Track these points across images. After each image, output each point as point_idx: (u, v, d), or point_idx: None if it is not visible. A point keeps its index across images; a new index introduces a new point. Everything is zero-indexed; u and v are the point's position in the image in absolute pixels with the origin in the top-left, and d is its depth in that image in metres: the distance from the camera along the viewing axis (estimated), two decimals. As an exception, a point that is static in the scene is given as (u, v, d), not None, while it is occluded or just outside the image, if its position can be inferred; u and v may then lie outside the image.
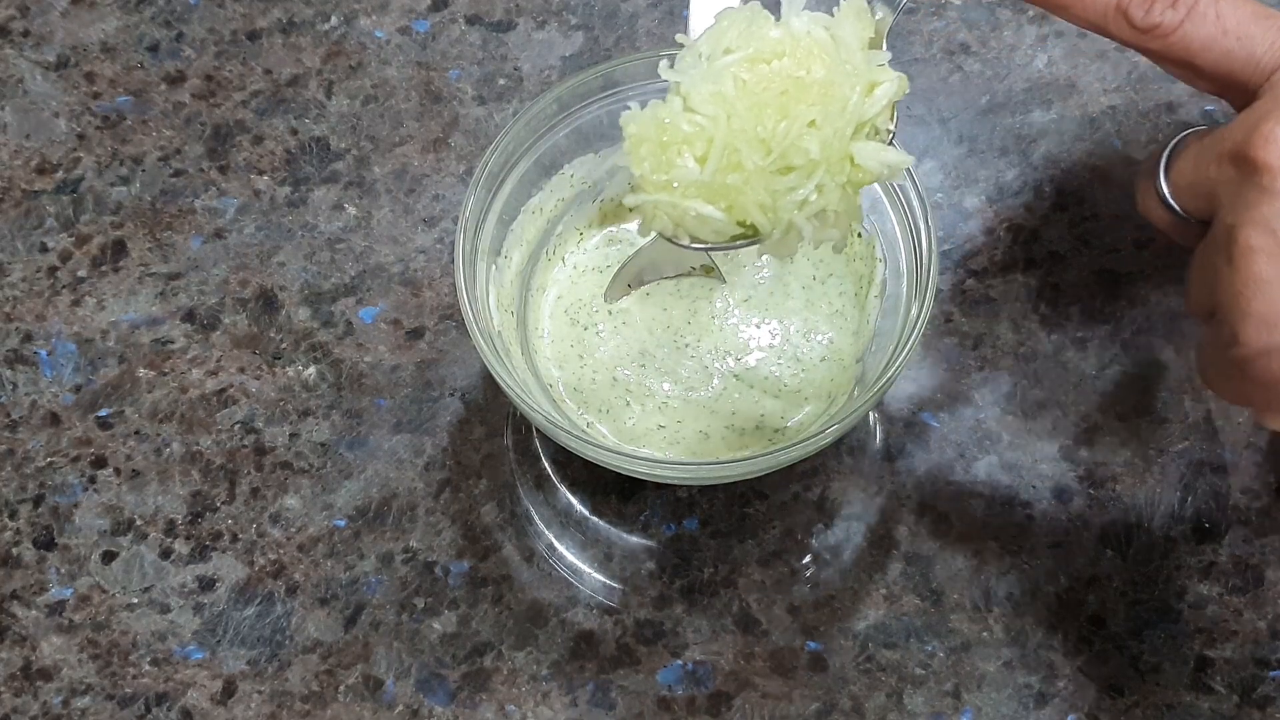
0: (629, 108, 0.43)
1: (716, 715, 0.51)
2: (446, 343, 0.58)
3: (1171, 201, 0.44)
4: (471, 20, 0.64)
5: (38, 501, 0.55)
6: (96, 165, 0.61)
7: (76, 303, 0.59)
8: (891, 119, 0.43)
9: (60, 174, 0.61)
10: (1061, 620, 0.53)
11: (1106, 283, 0.58)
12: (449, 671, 0.52)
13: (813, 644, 0.52)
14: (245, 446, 0.56)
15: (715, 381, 0.54)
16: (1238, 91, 0.42)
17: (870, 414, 0.56)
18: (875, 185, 0.51)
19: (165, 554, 0.54)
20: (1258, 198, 0.39)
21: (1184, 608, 0.53)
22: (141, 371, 0.57)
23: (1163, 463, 0.55)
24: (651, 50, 0.60)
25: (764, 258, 0.56)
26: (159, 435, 0.56)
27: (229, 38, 0.64)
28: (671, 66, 0.43)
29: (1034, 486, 0.55)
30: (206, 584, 0.54)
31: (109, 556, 0.54)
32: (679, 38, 0.44)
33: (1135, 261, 0.58)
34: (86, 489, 0.55)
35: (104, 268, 0.59)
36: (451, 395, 0.57)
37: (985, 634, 0.52)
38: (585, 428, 0.54)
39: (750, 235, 0.43)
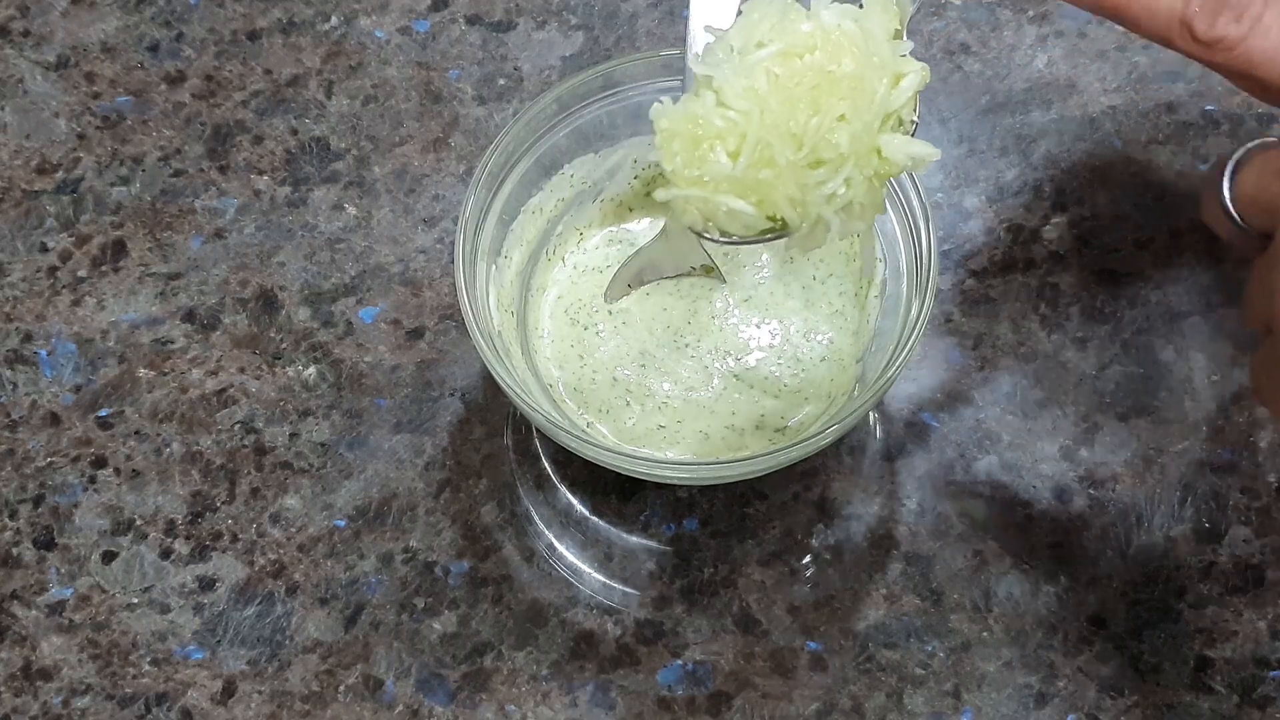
0: (661, 101, 0.43)
1: (716, 715, 0.51)
2: (446, 343, 0.58)
3: (1235, 214, 0.44)
4: (471, 20, 0.64)
5: (38, 501, 0.55)
6: (96, 165, 0.61)
7: (76, 303, 0.59)
8: (914, 109, 0.43)
9: (60, 174, 0.61)
10: (1061, 620, 0.53)
11: (1106, 283, 0.58)
12: (449, 671, 0.52)
13: (813, 644, 0.52)
14: (245, 446, 0.56)
15: (715, 381, 0.54)
16: None
17: (870, 414, 0.56)
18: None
19: (165, 554, 0.54)
20: None
21: (1184, 608, 0.53)
22: (141, 371, 0.57)
23: (1163, 463, 0.55)
24: (651, 50, 0.60)
25: (764, 257, 0.56)
26: (159, 435, 0.56)
27: (229, 38, 0.64)
28: (701, 59, 0.43)
29: (1034, 486, 0.55)
30: (206, 584, 0.54)
31: (109, 556, 0.54)
32: (706, 28, 0.44)
33: (1135, 261, 0.58)
34: (86, 489, 0.55)
35: (104, 268, 0.59)
36: (451, 395, 0.57)
37: (985, 634, 0.52)
38: (585, 428, 0.54)
39: (778, 229, 0.44)
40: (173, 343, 0.58)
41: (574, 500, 0.55)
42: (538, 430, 0.56)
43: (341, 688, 0.52)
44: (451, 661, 0.52)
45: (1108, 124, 0.61)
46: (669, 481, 0.54)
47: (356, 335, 0.58)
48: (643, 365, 0.55)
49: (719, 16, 0.49)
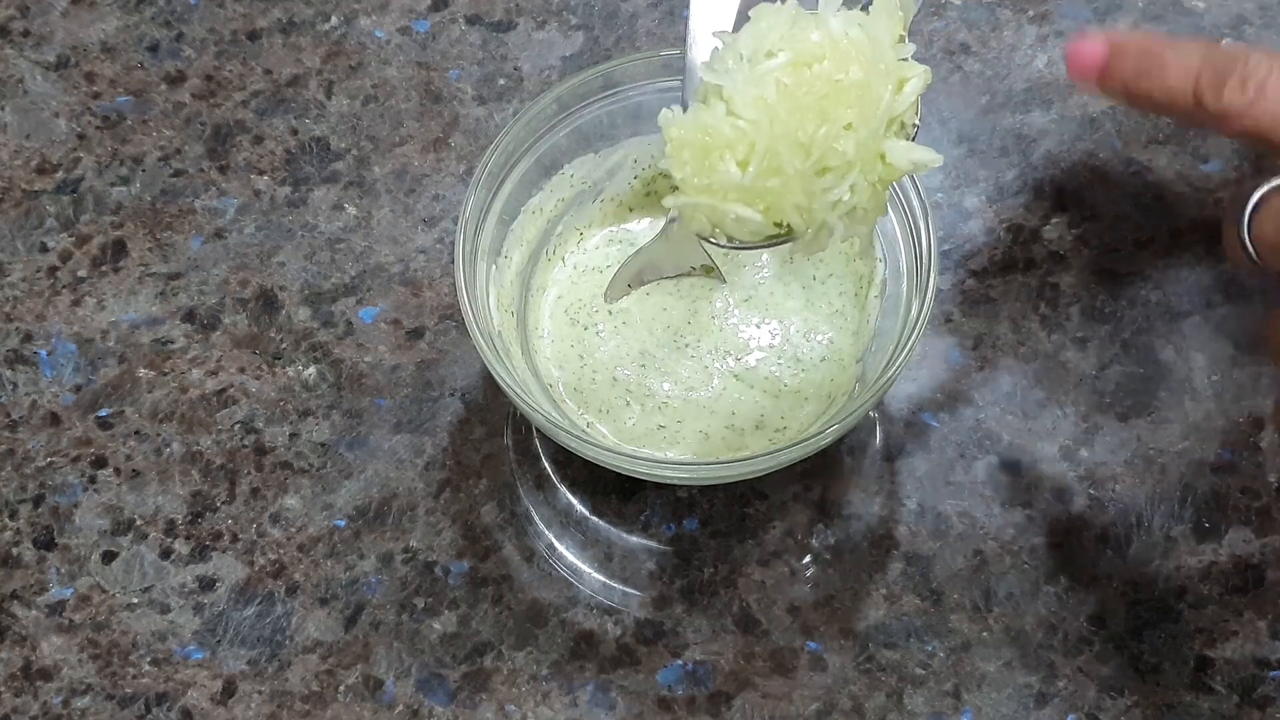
0: (671, 110, 0.43)
1: (716, 715, 0.51)
2: (446, 343, 0.58)
3: (1256, 258, 0.44)
4: (471, 20, 0.64)
5: (38, 501, 0.55)
6: (96, 165, 0.61)
7: (76, 303, 0.59)
8: (916, 113, 0.44)
9: (60, 174, 0.61)
10: (1061, 620, 0.53)
11: (1106, 283, 0.58)
12: (449, 671, 0.52)
13: (813, 644, 0.52)
14: (245, 446, 0.56)
15: (715, 381, 0.54)
16: None
17: (870, 414, 0.56)
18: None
19: (165, 554, 0.54)
20: None
21: (1184, 608, 0.53)
22: (141, 371, 0.57)
23: (1163, 463, 0.55)
24: (651, 50, 0.60)
25: (764, 257, 0.56)
26: (159, 435, 0.56)
27: (229, 38, 0.64)
28: (710, 67, 0.43)
29: (1034, 486, 0.55)
30: (206, 584, 0.54)
31: (109, 556, 0.54)
32: (714, 33, 0.44)
33: (1135, 261, 0.58)
34: (86, 489, 0.55)
35: (104, 268, 0.59)
36: (451, 395, 0.57)
37: (985, 634, 0.52)
38: (585, 428, 0.54)
39: (784, 235, 0.44)
40: (173, 343, 0.58)
41: (574, 500, 0.55)
42: (538, 430, 0.56)
43: (341, 688, 0.52)
44: (451, 661, 0.52)
45: (1108, 124, 0.61)
46: (669, 481, 0.54)
47: (356, 335, 0.58)
48: (643, 365, 0.55)
49: (719, 16, 0.49)
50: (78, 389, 0.57)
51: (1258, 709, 0.51)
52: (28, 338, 0.58)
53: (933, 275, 0.49)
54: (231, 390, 0.57)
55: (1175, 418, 0.56)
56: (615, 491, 0.55)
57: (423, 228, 0.60)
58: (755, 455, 0.49)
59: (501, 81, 0.63)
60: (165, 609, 0.53)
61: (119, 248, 0.60)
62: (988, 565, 0.53)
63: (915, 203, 0.51)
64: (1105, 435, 0.55)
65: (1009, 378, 0.56)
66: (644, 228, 0.57)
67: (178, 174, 0.61)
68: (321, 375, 0.57)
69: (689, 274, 0.54)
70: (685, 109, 0.48)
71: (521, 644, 0.53)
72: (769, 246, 0.45)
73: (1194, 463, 0.55)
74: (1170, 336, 0.57)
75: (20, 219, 0.60)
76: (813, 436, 0.49)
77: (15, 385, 0.57)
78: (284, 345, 0.58)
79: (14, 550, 0.55)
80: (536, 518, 0.55)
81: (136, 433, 0.56)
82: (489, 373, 0.50)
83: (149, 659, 0.53)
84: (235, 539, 0.54)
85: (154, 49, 0.64)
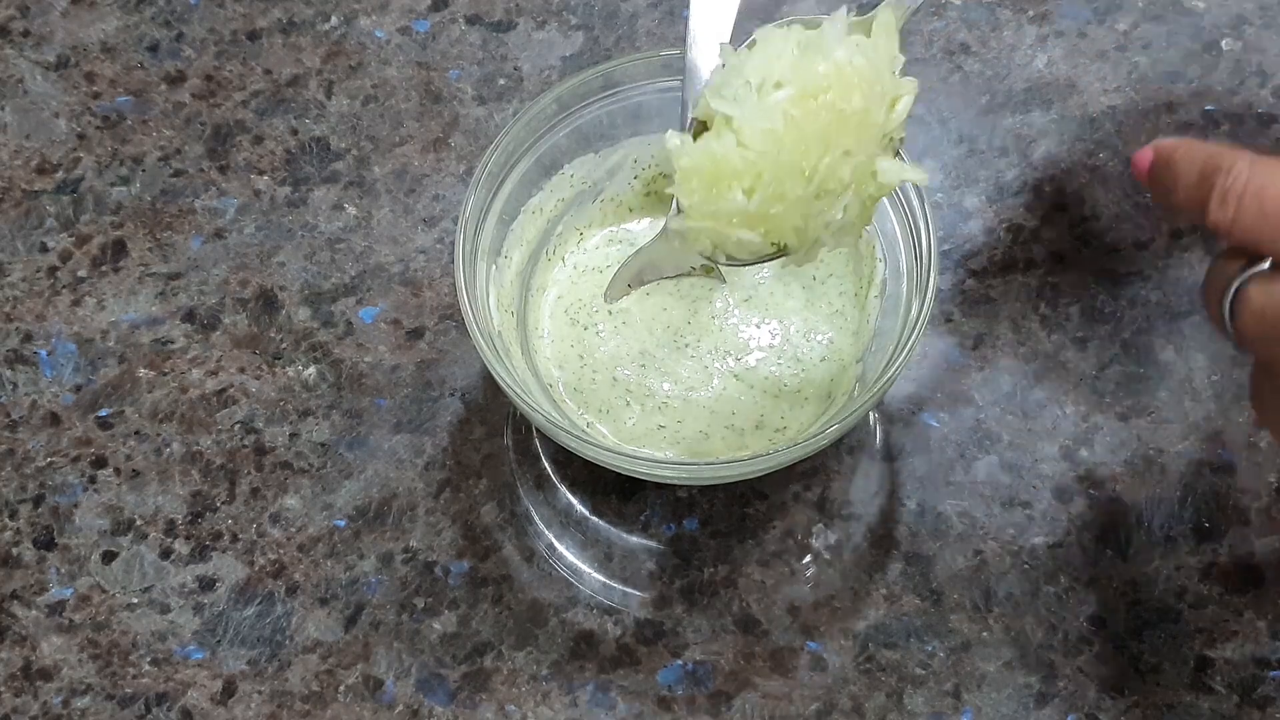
0: (679, 142, 0.44)
1: (716, 715, 0.51)
2: (446, 343, 0.58)
3: (1240, 344, 0.43)
4: (471, 20, 0.64)
5: (38, 501, 0.55)
6: (96, 165, 0.61)
7: (76, 303, 0.59)
8: (903, 126, 0.45)
9: (60, 174, 0.61)
10: (1061, 620, 0.53)
11: (1106, 283, 0.58)
12: (449, 671, 0.52)
13: (813, 644, 0.52)
14: (245, 446, 0.56)
15: (715, 381, 0.54)
16: None
17: (870, 414, 0.56)
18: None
19: (165, 554, 0.54)
20: None
21: (1184, 608, 0.53)
22: (141, 371, 0.57)
23: (1163, 463, 0.55)
24: (651, 50, 0.60)
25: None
26: (159, 435, 0.56)
27: (229, 38, 0.64)
28: (718, 93, 0.44)
29: (1034, 486, 0.55)
30: (206, 584, 0.54)
31: (109, 556, 0.54)
32: (721, 46, 0.45)
33: (1135, 261, 0.58)
34: (86, 489, 0.55)
35: (104, 268, 0.59)
36: (451, 395, 0.57)
37: (985, 634, 0.52)
38: (585, 428, 0.54)
39: (779, 252, 0.46)
40: (173, 343, 0.58)
41: (574, 500, 0.55)
42: (538, 430, 0.56)
43: (341, 688, 0.52)
44: (451, 661, 0.52)
45: (1108, 124, 0.61)
46: (669, 481, 0.54)
47: (356, 335, 0.58)
48: (643, 365, 0.55)
49: (719, 16, 0.49)
50: (78, 389, 0.57)
51: (1258, 709, 0.51)
52: (28, 338, 0.58)
53: (933, 275, 0.49)
54: (231, 390, 0.57)
55: (1175, 418, 0.56)
56: (615, 491, 0.55)
57: (423, 228, 0.60)
58: (755, 455, 0.49)
59: (501, 81, 0.63)
60: (165, 609, 0.53)
61: (119, 248, 0.60)
62: (988, 565, 0.53)
63: (915, 203, 0.51)
64: (1105, 435, 0.55)
65: (1009, 378, 0.56)
66: (644, 228, 0.57)
67: (178, 174, 0.61)
68: (321, 375, 0.57)
69: (689, 274, 0.54)
70: (685, 109, 0.49)
71: (521, 644, 0.53)
72: (763, 262, 0.46)
73: (1194, 463, 0.55)
74: (1170, 336, 0.57)
75: (20, 219, 0.60)
76: (813, 436, 0.49)
77: (15, 385, 0.57)
78: (284, 345, 0.58)
79: (14, 550, 0.55)
80: (536, 518, 0.55)
81: (136, 433, 0.56)
82: (489, 373, 0.50)
83: (149, 659, 0.53)
84: (235, 539, 0.54)
85: (154, 49, 0.64)
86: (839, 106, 0.43)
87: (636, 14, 0.64)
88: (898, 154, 0.45)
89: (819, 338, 0.55)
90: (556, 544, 0.54)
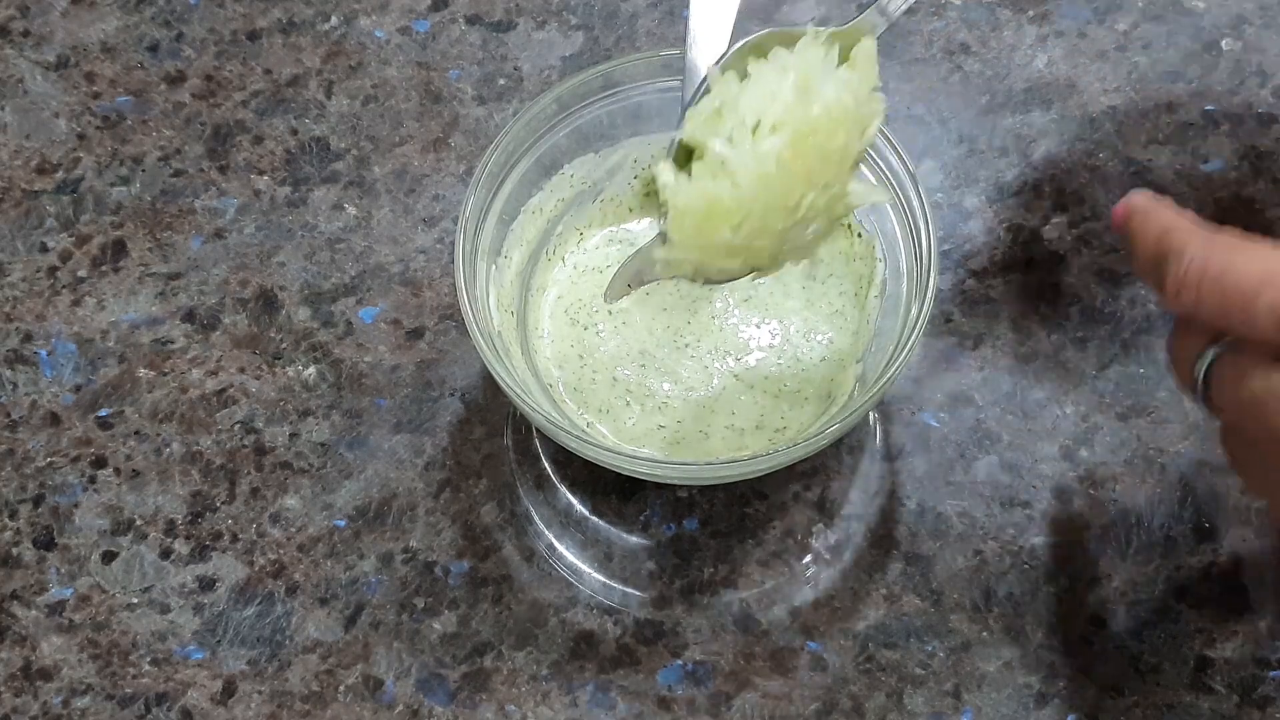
0: (671, 179, 0.45)
1: (716, 715, 0.51)
2: (446, 343, 0.58)
3: (1212, 412, 0.43)
4: (471, 20, 0.64)
5: (38, 501, 0.55)
6: (96, 165, 0.61)
7: (76, 303, 0.59)
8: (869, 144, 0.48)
9: (60, 174, 0.61)
10: (1061, 620, 0.53)
11: (1106, 283, 0.58)
12: (449, 671, 0.52)
13: (813, 644, 0.52)
14: (245, 446, 0.56)
15: (715, 381, 0.54)
16: None
17: (870, 414, 0.56)
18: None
19: (165, 554, 0.54)
20: None
21: (1184, 608, 0.53)
22: (141, 371, 0.57)
23: (1163, 463, 0.55)
24: (651, 50, 0.60)
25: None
26: (159, 435, 0.56)
27: (229, 38, 0.64)
28: (713, 131, 0.45)
29: (1034, 486, 0.55)
30: (206, 584, 0.54)
31: (109, 556, 0.54)
32: (709, 73, 0.46)
33: (1135, 261, 0.58)
34: (86, 489, 0.55)
35: (104, 268, 0.59)
36: (451, 395, 0.57)
37: (985, 634, 0.52)
38: (585, 428, 0.54)
39: (751, 271, 0.48)
40: (173, 343, 0.58)
41: (574, 500, 0.55)
42: (538, 430, 0.56)
43: (341, 688, 0.52)
44: (451, 661, 0.52)
45: (1107, 124, 0.61)
46: (669, 481, 0.54)
47: (356, 335, 0.58)
48: (643, 365, 0.55)
49: (719, 16, 0.49)
50: (78, 389, 0.57)
51: (1258, 709, 0.51)
52: (28, 338, 0.58)
53: (933, 275, 0.49)
54: (231, 390, 0.57)
55: (1175, 418, 0.56)
56: (615, 491, 0.55)
57: (423, 228, 0.60)
58: (755, 455, 0.49)
59: (501, 81, 0.63)
60: (165, 609, 0.53)
61: (119, 248, 0.60)
62: (988, 565, 0.53)
63: (915, 203, 0.51)
64: (1105, 435, 0.55)
65: (1009, 378, 0.56)
66: (644, 228, 0.57)
67: (178, 174, 0.61)
68: (321, 375, 0.57)
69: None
70: (685, 110, 0.49)
71: (521, 644, 0.53)
72: (734, 280, 0.48)
73: (1194, 463, 0.55)
74: (1170, 336, 0.57)
75: (20, 219, 0.60)
76: (813, 436, 0.49)
77: (15, 385, 0.57)
78: (284, 345, 0.58)
79: (14, 550, 0.54)
80: (536, 518, 0.55)
81: (136, 433, 0.56)
82: (489, 373, 0.50)
83: (149, 659, 0.53)
84: (235, 539, 0.54)
85: (154, 49, 0.64)
86: (825, 146, 0.45)
87: (636, 14, 0.64)
88: (856, 164, 0.47)
89: (819, 338, 0.55)
90: (556, 544, 0.54)
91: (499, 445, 0.56)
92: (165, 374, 0.57)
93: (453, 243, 0.52)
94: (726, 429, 0.54)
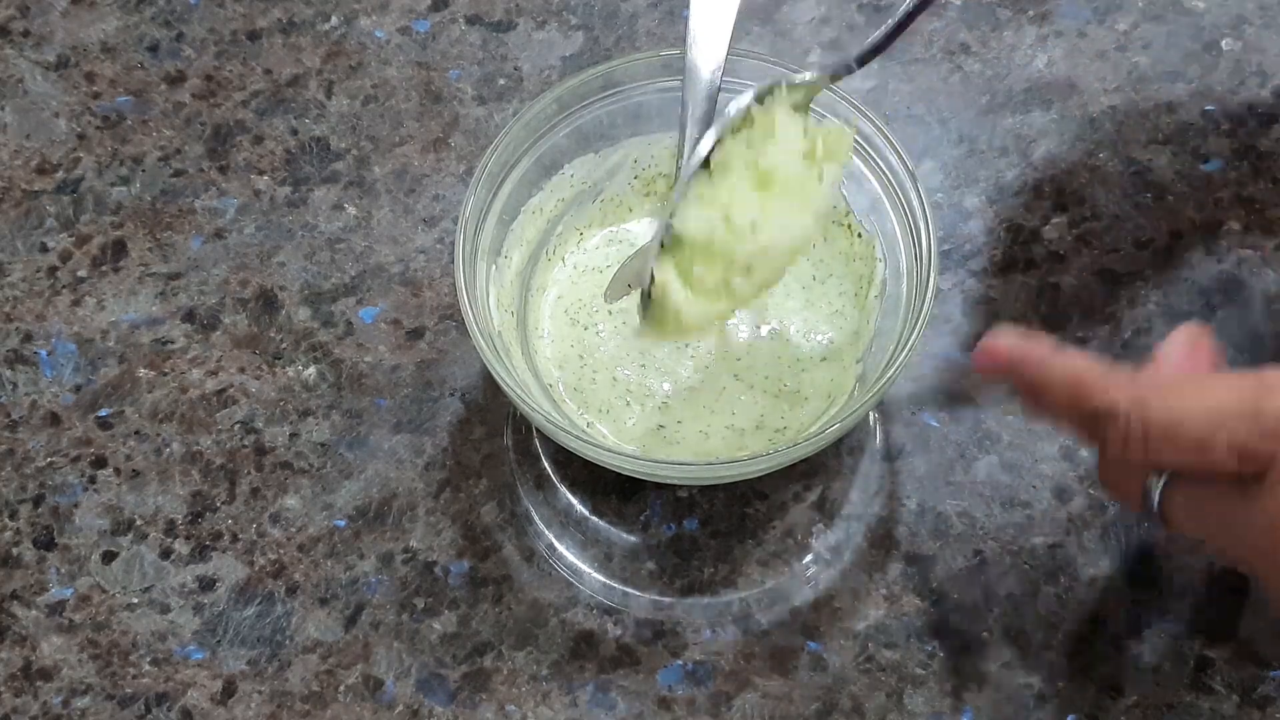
0: (680, 288, 0.48)
1: (716, 715, 0.51)
2: (446, 343, 0.58)
3: (1168, 529, 0.43)
4: (471, 20, 0.64)
5: (38, 501, 0.55)
6: (96, 165, 0.61)
7: (76, 303, 0.59)
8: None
9: (60, 174, 0.61)
10: (1061, 620, 0.53)
11: (1106, 283, 0.58)
12: (449, 671, 0.52)
13: (813, 644, 0.52)
14: (245, 446, 0.56)
15: (715, 382, 0.54)
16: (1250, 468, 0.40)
17: (870, 414, 0.56)
18: (875, 185, 0.54)
19: (165, 554, 0.54)
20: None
21: (1184, 608, 0.53)
22: (141, 371, 0.57)
23: (1163, 463, 0.55)
24: (651, 50, 0.60)
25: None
26: (159, 435, 0.56)
27: (229, 38, 0.64)
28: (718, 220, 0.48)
29: (1034, 486, 0.55)
30: (206, 584, 0.54)
31: (109, 556, 0.54)
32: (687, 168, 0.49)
33: (1135, 261, 0.58)
34: (86, 489, 0.55)
35: (104, 268, 0.59)
36: (451, 395, 0.57)
37: (985, 634, 0.52)
38: (585, 428, 0.54)
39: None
40: (173, 343, 0.58)
41: (574, 500, 0.55)
42: (538, 430, 0.56)
43: (341, 688, 0.52)
44: (451, 661, 0.52)
45: (1107, 124, 0.61)
46: (669, 481, 0.54)
47: (356, 335, 0.58)
48: (643, 365, 0.55)
49: (719, 16, 0.49)
50: (78, 389, 0.57)
51: (1258, 709, 0.51)
52: (28, 338, 0.58)
53: (933, 275, 0.49)
54: (231, 390, 0.57)
55: (1175, 418, 0.56)
56: (615, 491, 0.55)
57: (423, 228, 0.60)
58: (755, 455, 0.49)
59: (501, 81, 0.63)
60: (165, 609, 0.53)
61: (119, 248, 0.60)
62: (988, 565, 0.53)
63: (915, 203, 0.51)
64: (1105, 435, 0.55)
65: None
66: (644, 228, 0.57)
67: (178, 174, 0.61)
68: (321, 375, 0.57)
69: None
70: (684, 109, 0.49)
71: (521, 644, 0.53)
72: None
73: (1194, 463, 0.55)
74: (1170, 336, 0.57)
75: (20, 219, 0.60)
76: (813, 436, 0.49)
77: (15, 385, 0.57)
78: (284, 345, 0.58)
79: (14, 550, 0.54)
80: (536, 518, 0.55)
81: (136, 433, 0.56)
82: (489, 373, 0.50)
83: (149, 659, 0.53)
84: (235, 539, 0.54)
85: (154, 49, 0.64)
86: (790, 216, 0.48)
87: (636, 14, 0.64)
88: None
89: (819, 338, 0.55)
90: (556, 544, 0.54)
91: (499, 445, 0.56)
92: (165, 374, 0.57)
93: (453, 243, 0.52)
94: (726, 429, 0.54)
